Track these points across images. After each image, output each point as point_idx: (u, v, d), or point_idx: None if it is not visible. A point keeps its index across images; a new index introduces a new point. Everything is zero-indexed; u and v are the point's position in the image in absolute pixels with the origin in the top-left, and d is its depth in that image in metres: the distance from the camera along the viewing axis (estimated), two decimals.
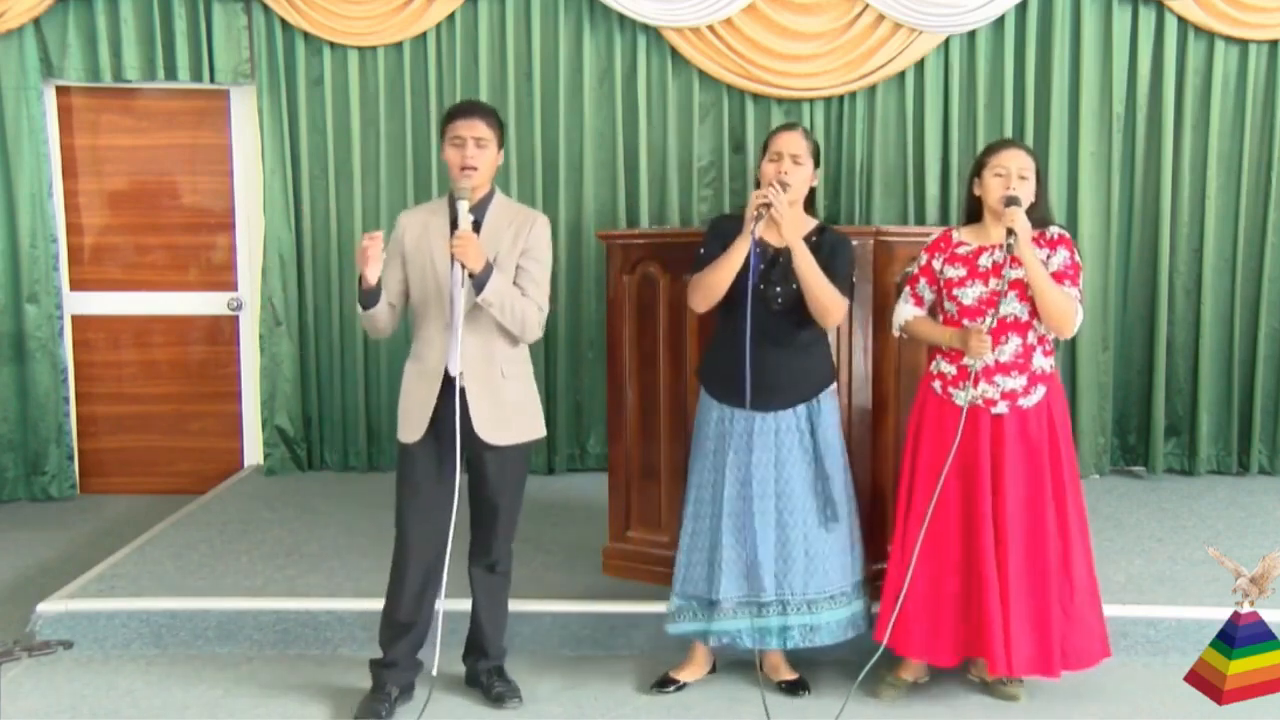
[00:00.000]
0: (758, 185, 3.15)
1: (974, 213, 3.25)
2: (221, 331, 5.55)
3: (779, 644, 3.19)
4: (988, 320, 3.07)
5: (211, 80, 5.24)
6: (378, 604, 3.23)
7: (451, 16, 5.22)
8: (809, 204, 3.29)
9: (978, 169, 3.20)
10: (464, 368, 3.02)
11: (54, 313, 5.30)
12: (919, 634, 3.17)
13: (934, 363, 3.24)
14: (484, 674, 3.26)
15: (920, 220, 5.22)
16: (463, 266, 2.93)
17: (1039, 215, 3.14)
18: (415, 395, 3.09)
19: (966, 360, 3.11)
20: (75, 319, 5.47)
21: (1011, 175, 3.10)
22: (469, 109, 3.12)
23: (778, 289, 3.12)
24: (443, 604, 3.09)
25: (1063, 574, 3.12)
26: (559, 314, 5.32)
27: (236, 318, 5.54)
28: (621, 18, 5.21)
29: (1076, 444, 5.05)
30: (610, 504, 3.98)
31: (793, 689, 3.29)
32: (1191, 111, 5.23)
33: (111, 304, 5.49)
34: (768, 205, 3.02)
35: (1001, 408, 3.10)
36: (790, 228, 3.05)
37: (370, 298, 3.01)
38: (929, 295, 3.25)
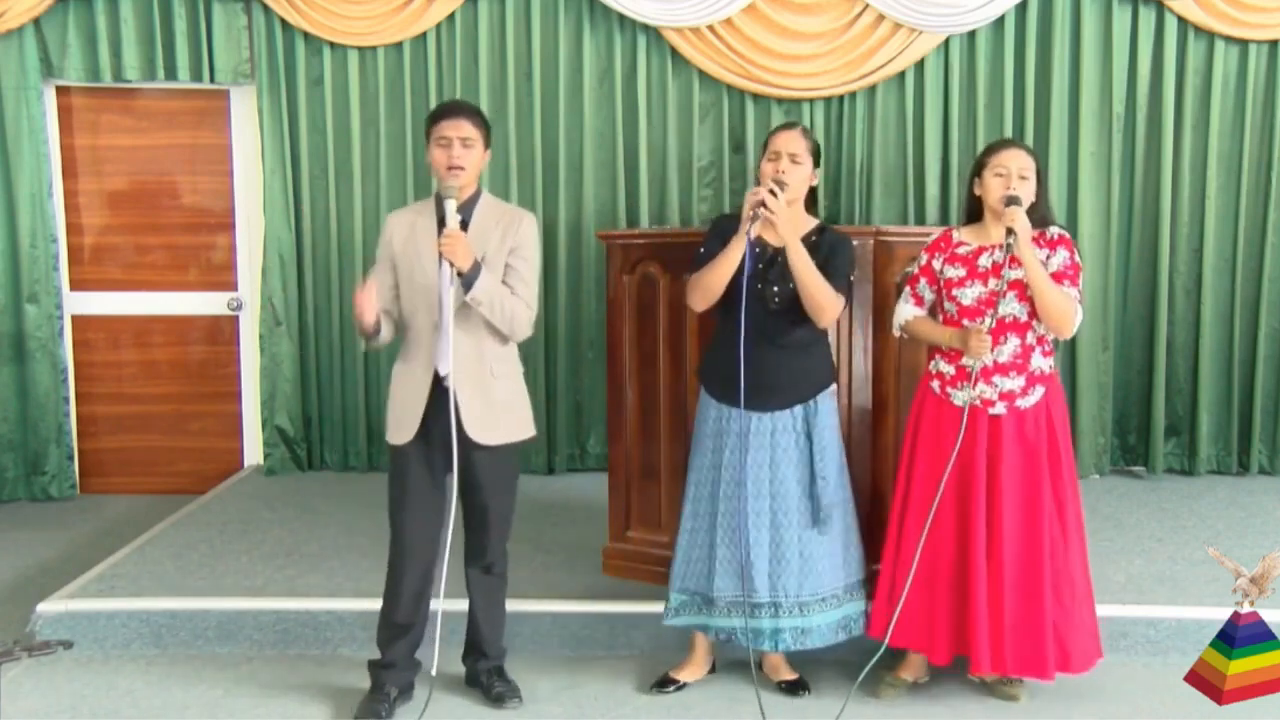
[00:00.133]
0: (758, 184, 3.15)
1: (974, 213, 3.25)
2: (221, 331, 5.55)
3: (770, 646, 3.19)
4: (987, 320, 3.07)
5: (211, 80, 5.24)
6: (377, 604, 3.22)
7: (451, 16, 5.22)
8: (810, 203, 3.29)
9: (978, 169, 3.20)
10: (454, 367, 3.00)
11: (54, 313, 5.30)
12: (915, 629, 3.18)
13: (933, 363, 3.24)
14: (484, 674, 3.26)
15: (920, 220, 5.22)
16: (451, 265, 2.93)
17: (1039, 215, 3.14)
18: (404, 396, 3.08)
19: (966, 360, 3.11)
20: (75, 319, 5.47)
21: (1012, 175, 3.10)
22: (454, 109, 3.10)
23: (775, 288, 3.11)
24: (440, 604, 3.09)
25: (1060, 576, 3.12)
26: (559, 314, 5.33)
27: (236, 318, 5.54)
28: (621, 18, 5.21)
29: (1076, 444, 5.06)
30: (610, 504, 3.98)
31: (793, 689, 3.29)
32: (1191, 111, 5.23)
33: (111, 304, 5.50)
34: (763, 205, 3.01)
35: (999, 409, 3.10)
36: (787, 226, 3.05)
37: (372, 337, 3.06)
38: (929, 295, 3.25)
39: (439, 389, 3.03)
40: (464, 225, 3.01)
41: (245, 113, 5.39)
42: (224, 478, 5.40)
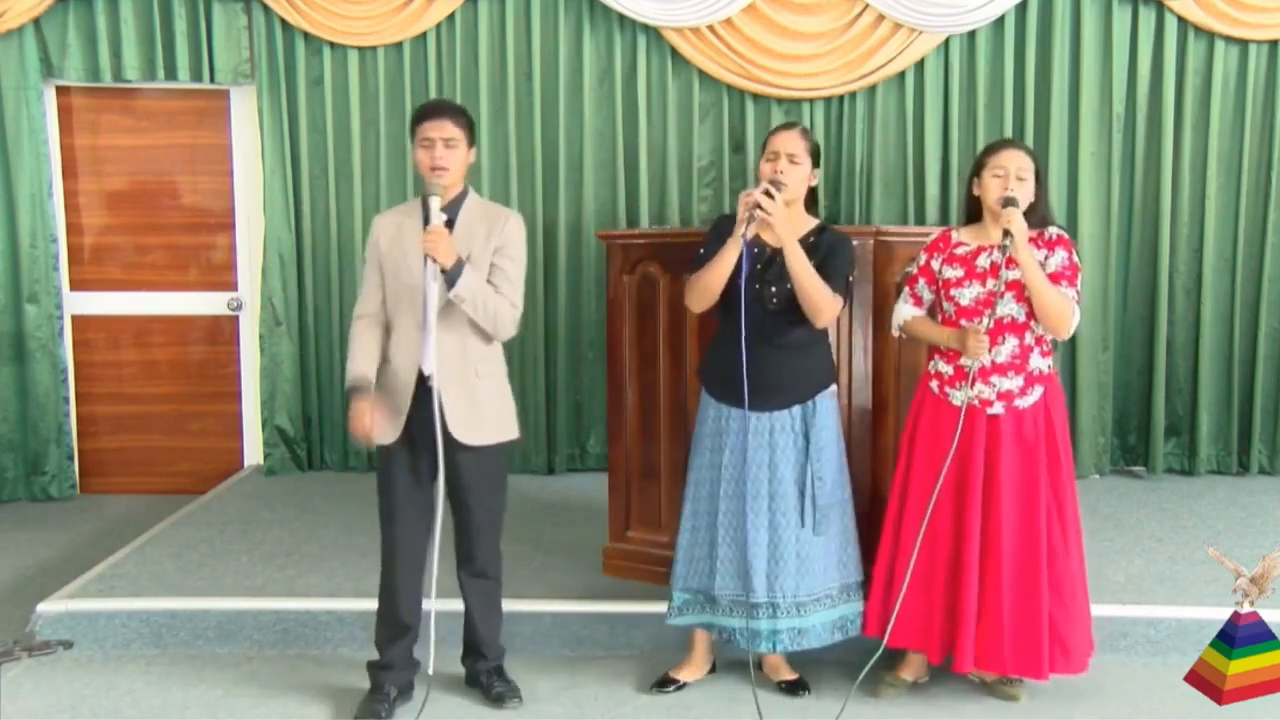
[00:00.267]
0: (758, 184, 3.15)
1: (973, 213, 3.25)
2: (221, 331, 5.55)
3: (768, 648, 3.18)
4: (985, 321, 3.07)
5: (211, 80, 5.24)
6: (376, 604, 3.22)
7: (451, 16, 5.22)
8: (810, 203, 3.29)
9: (976, 169, 3.19)
10: (437, 367, 2.99)
11: (54, 313, 5.30)
12: (913, 628, 3.18)
13: (932, 363, 3.24)
14: (484, 674, 3.26)
15: (920, 220, 5.22)
16: (434, 261, 2.92)
17: (1039, 216, 3.14)
18: (388, 396, 3.07)
19: (964, 360, 3.11)
20: (75, 319, 5.47)
21: (1010, 176, 3.10)
22: (436, 109, 3.10)
23: (773, 289, 3.11)
24: (434, 605, 3.06)
25: (1061, 576, 3.12)
26: (559, 314, 5.33)
27: (236, 318, 5.54)
28: (621, 18, 5.21)
29: (1076, 444, 5.08)
30: (610, 504, 3.98)
31: (793, 689, 3.29)
32: (1191, 111, 5.23)
33: (111, 304, 5.50)
34: (759, 206, 3.01)
35: (997, 408, 3.10)
36: (785, 227, 3.04)
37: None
38: (928, 295, 3.25)
39: (423, 389, 3.02)
40: (450, 224, 3.01)
41: (245, 113, 5.39)
42: (224, 478, 5.40)
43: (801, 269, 3.05)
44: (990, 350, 3.08)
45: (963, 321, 3.12)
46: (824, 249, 3.15)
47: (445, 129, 3.02)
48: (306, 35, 5.22)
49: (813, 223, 3.24)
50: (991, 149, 3.20)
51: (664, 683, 3.33)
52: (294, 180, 5.31)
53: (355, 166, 5.30)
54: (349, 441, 5.43)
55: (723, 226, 3.20)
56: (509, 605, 3.36)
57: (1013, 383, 3.11)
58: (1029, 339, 3.12)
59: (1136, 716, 3.18)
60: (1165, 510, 4.78)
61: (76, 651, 3.50)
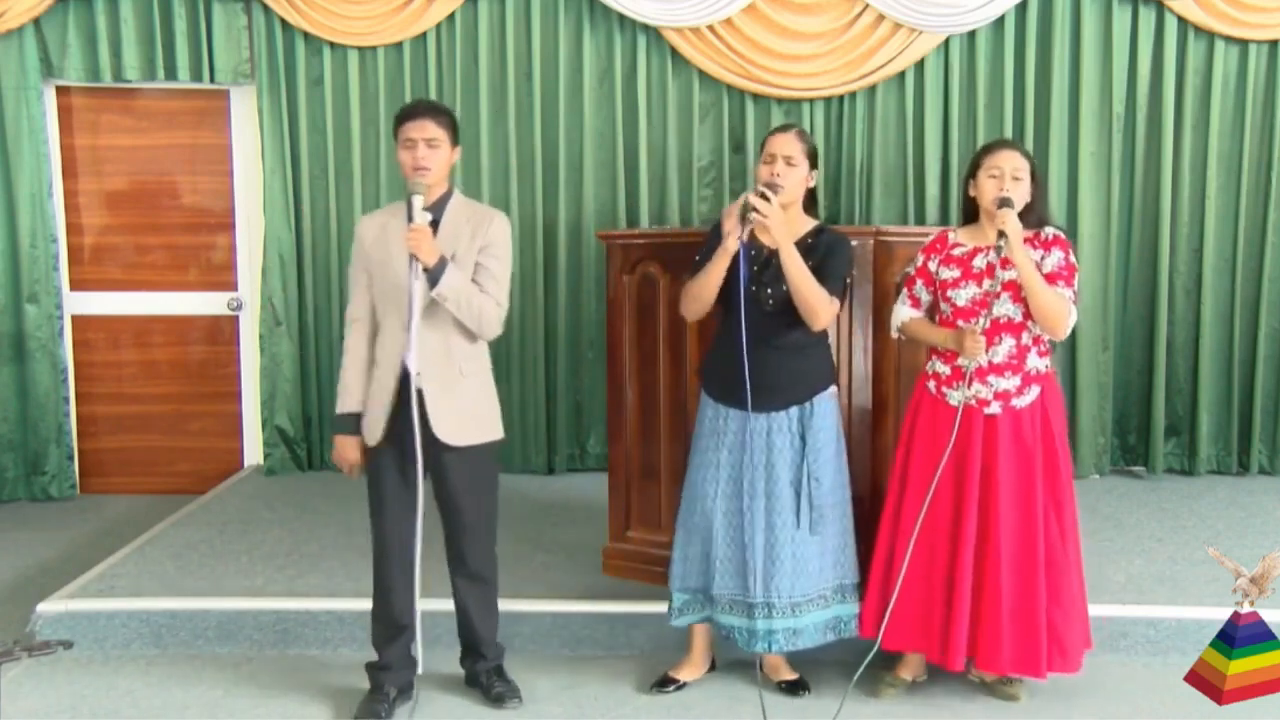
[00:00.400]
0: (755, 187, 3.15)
1: (971, 213, 3.25)
2: (221, 331, 5.56)
3: (764, 648, 3.17)
4: (981, 321, 3.07)
5: (211, 80, 5.24)
6: None
7: (451, 16, 5.22)
8: (810, 204, 3.28)
9: (973, 170, 3.19)
10: (422, 366, 2.99)
11: (54, 313, 5.30)
12: (910, 629, 3.18)
13: (930, 363, 3.24)
14: (483, 674, 3.26)
15: (920, 220, 5.22)
16: (417, 260, 2.92)
17: (1035, 216, 3.14)
18: (373, 397, 3.06)
19: (961, 361, 3.11)
20: (75, 319, 5.47)
21: (1005, 176, 3.10)
22: (416, 110, 3.09)
23: (769, 290, 3.11)
24: (418, 604, 3.05)
25: (1059, 576, 3.12)
26: (559, 314, 5.33)
27: (236, 318, 5.54)
28: (621, 18, 5.21)
29: (1076, 444, 5.09)
30: (610, 504, 3.98)
31: (793, 689, 3.29)
32: (1191, 111, 5.24)
33: (111, 304, 5.50)
34: (754, 210, 3.00)
35: (994, 408, 3.10)
36: (781, 229, 3.04)
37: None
38: (925, 296, 3.25)
39: (407, 389, 3.01)
40: (434, 224, 3.01)
41: (245, 113, 5.39)
42: (224, 478, 5.40)
43: (797, 272, 3.05)
44: (987, 350, 3.08)
45: (959, 322, 3.12)
46: (822, 250, 3.14)
47: (427, 129, 3.01)
48: (306, 35, 5.22)
49: (811, 224, 3.23)
50: (987, 149, 3.20)
51: (664, 682, 3.33)
52: (294, 180, 5.31)
53: (355, 166, 5.30)
54: None
55: (718, 235, 3.19)
56: (509, 605, 3.36)
57: (1010, 382, 3.10)
58: (1026, 339, 3.12)
59: (1136, 716, 3.18)
60: (1165, 510, 4.78)
61: (76, 651, 3.50)
